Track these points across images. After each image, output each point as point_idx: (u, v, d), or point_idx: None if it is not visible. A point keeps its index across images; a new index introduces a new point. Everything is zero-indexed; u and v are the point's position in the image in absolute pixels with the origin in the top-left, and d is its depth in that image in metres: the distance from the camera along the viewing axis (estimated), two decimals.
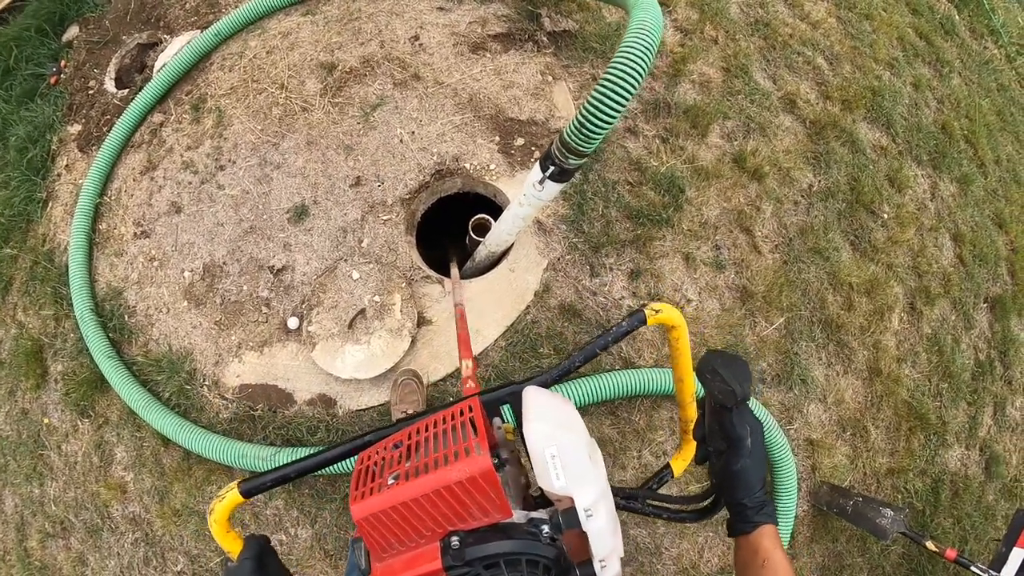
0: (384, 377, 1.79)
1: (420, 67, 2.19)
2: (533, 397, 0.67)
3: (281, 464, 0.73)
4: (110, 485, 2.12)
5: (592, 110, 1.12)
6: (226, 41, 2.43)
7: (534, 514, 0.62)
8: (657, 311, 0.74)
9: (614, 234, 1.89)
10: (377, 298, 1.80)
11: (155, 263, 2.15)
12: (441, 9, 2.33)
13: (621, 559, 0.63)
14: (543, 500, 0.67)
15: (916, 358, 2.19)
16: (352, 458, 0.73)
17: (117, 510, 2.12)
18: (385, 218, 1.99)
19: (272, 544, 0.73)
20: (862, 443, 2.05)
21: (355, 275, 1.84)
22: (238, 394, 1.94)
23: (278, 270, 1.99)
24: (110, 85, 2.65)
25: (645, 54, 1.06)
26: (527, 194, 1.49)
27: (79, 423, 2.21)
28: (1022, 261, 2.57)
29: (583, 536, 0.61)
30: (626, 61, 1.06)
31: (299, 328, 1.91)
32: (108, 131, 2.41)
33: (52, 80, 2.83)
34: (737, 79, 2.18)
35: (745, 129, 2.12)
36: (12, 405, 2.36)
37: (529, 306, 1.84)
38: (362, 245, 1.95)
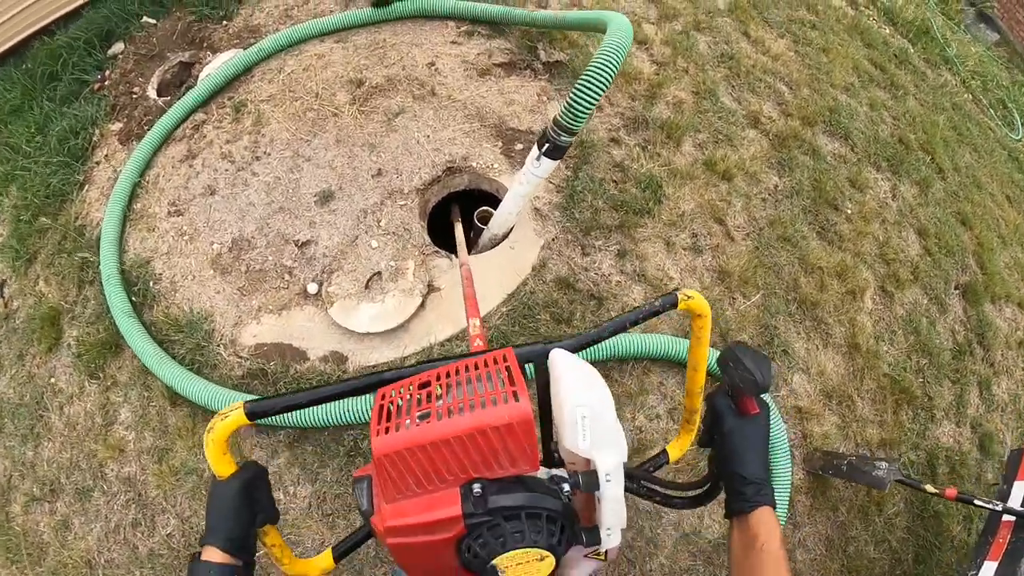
0: (395, 333, 1.99)
1: (436, 86, 2.58)
2: (563, 359, 0.68)
3: (293, 393, 0.71)
4: (109, 444, 2.17)
5: (580, 93, 1.48)
6: (266, 59, 2.80)
7: (555, 471, 0.63)
8: (689, 297, 0.76)
9: (602, 220, 2.21)
10: (392, 263, 2.04)
11: (185, 237, 2.36)
12: (454, 43, 2.77)
13: (622, 530, 0.63)
14: (558, 460, 0.69)
15: (893, 336, 2.40)
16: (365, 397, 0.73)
17: (112, 470, 2.16)
18: (402, 203, 2.28)
19: (269, 478, 0.72)
20: (849, 413, 2.22)
21: (374, 244, 2.09)
22: (253, 352, 2.10)
23: (302, 243, 2.22)
24: (152, 93, 2.97)
25: (619, 49, 1.45)
26: (526, 172, 1.82)
27: (87, 384, 2.29)
28: (989, 254, 2.80)
29: (591, 502, 0.62)
30: (605, 55, 1.44)
31: (318, 293, 2.11)
32: (150, 129, 2.69)
33: (96, 87, 3.13)
34: (706, 100, 2.63)
35: (714, 140, 2.53)
36: (19, 368, 2.43)
37: (527, 278, 2.10)
38: (380, 224, 2.22)
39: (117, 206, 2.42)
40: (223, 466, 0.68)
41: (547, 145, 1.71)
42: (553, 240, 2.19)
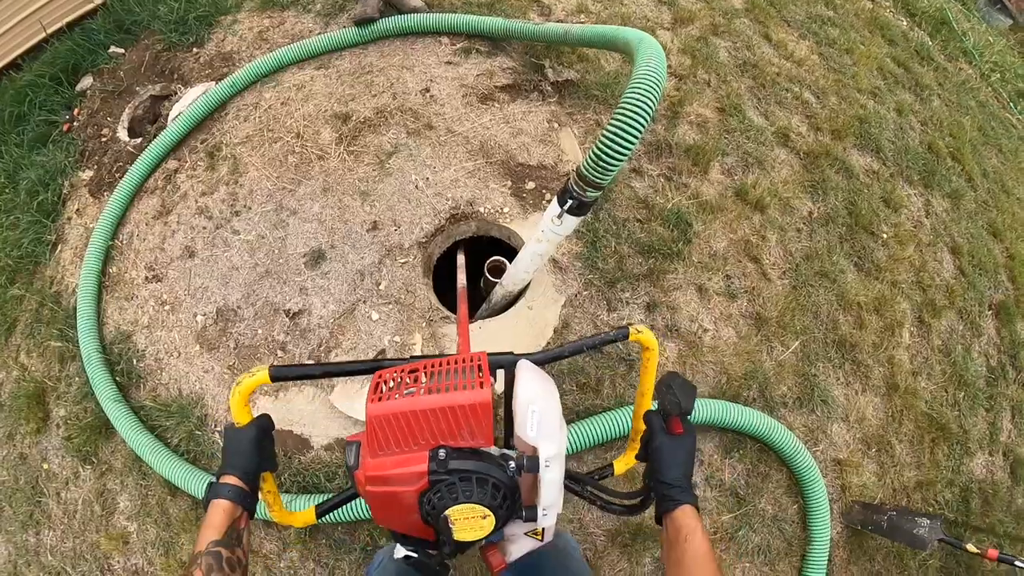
0: None
1: (432, 117, 2.30)
2: (527, 367, 0.83)
3: (310, 364, 0.81)
4: (111, 535, 2.05)
5: (608, 143, 1.20)
6: (241, 92, 2.52)
7: (506, 451, 0.77)
8: (639, 331, 0.90)
9: (628, 269, 1.97)
10: (397, 338, 1.83)
11: (166, 307, 2.15)
12: (449, 63, 2.46)
13: (559, 515, 0.79)
14: (511, 449, 0.82)
15: (930, 370, 2.26)
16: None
17: (118, 562, 2.04)
18: (402, 261, 2.04)
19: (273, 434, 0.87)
20: (888, 459, 2.09)
21: (374, 316, 1.87)
22: None
23: (294, 314, 2.01)
24: (123, 134, 2.71)
25: (653, 88, 1.16)
26: (545, 229, 1.55)
27: (80, 470, 2.15)
28: (1020, 267, 2.68)
29: (535, 484, 0.75)
30: (636, 96, 1.15)
31: None
32: (121, 177, 2.45)
33: (65, 127, 2.88)
34: (732, 118, 2.34)
35: (744, 164, 2.26)
36: (10, 449, 2.29)
37: (549, 343, 1.88)
38: (380, 288, 1.99)
39: (91, 276, 2.22)
40: (243, 415, 0.84)
41: (570, 202, 1.43)
42: (576, 296, 1.96)
